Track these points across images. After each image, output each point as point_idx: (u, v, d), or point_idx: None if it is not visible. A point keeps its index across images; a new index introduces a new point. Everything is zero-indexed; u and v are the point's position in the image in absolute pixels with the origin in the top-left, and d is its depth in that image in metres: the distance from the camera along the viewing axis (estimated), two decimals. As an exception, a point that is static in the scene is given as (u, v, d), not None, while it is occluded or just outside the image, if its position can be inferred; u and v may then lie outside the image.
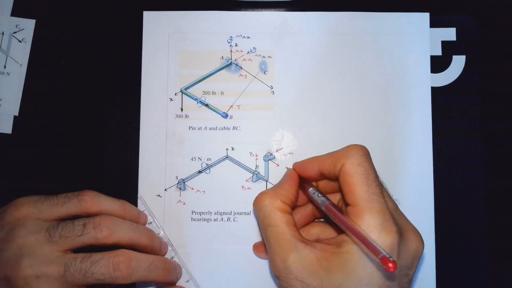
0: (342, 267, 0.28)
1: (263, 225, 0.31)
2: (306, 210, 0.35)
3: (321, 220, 0.37)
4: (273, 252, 0.30)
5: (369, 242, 0.27)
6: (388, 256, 0.25)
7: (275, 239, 0.30)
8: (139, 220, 0.37)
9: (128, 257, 0.32)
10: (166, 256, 0.38)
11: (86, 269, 0.31)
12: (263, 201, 0.31)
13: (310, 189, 0.33)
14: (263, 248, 0.37)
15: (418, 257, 0.30)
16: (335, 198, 0.34)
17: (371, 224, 0.27)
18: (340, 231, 0.31)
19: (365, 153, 0.30)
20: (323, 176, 0.33)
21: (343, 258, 0.28)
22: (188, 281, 0.38)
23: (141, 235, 0.34)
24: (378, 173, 0.30)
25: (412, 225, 0.31)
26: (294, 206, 0.33)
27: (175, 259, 0.38)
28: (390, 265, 0.25)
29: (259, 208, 0.32)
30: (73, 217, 0.34)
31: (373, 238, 0.27)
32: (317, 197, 0.32)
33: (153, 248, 0.36)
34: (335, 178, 0.31)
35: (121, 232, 0.33)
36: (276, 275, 0.30)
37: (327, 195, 0.32)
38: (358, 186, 0.28)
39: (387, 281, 0.28)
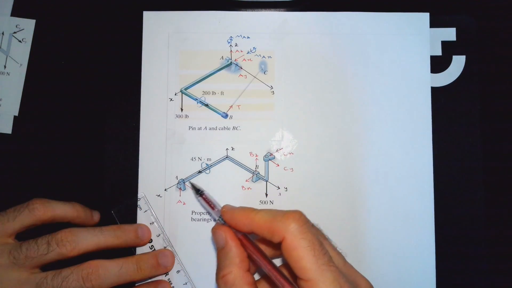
0: None
1: None
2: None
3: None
4: None
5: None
6: None
7: None
8: (93, 219, 0.37)
9: (95, 267, 0.33)
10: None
11: (58, 286, 0.32)
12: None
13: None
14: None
15: None
16: None
17: None
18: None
19: (304, 222, 0.28)
20: (256, 235, 0.30)
21: None
22: (186, 283, 0.38)
23: (107, 237, 0.35)
24: (315, 222, 0.31)
25: (360, 274, 0.30)
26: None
27: (175, 260, 0.38)
28: None
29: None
30: (28, 228, 0.34)
31: None
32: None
33: (127, 243, 0.36)
34: (273, 245, 0.30)
35: (85, 242, 0.33)
36: None
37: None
38: (306, 259, 0.27)
39: None
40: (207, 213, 0.39)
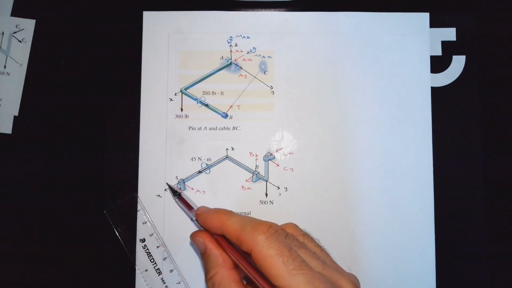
0: None
1: None
2: None
3: None
4: None
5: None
6: None
7: None
8: None
9: None
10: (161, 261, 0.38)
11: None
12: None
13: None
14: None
15: None
16: None
17: None
18: None
19: (272, 233, 0.28)
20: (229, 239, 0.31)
21: None
22: (179, 283, 0.38)
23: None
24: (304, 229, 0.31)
25: (344, 272, 0.30)
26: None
27: (168, 260, 0.38)
28: None
29: None
30: None
31: None
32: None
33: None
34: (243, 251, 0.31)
35: None
36: None
37: None
38: (275, 267, 0.27)
39: None
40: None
